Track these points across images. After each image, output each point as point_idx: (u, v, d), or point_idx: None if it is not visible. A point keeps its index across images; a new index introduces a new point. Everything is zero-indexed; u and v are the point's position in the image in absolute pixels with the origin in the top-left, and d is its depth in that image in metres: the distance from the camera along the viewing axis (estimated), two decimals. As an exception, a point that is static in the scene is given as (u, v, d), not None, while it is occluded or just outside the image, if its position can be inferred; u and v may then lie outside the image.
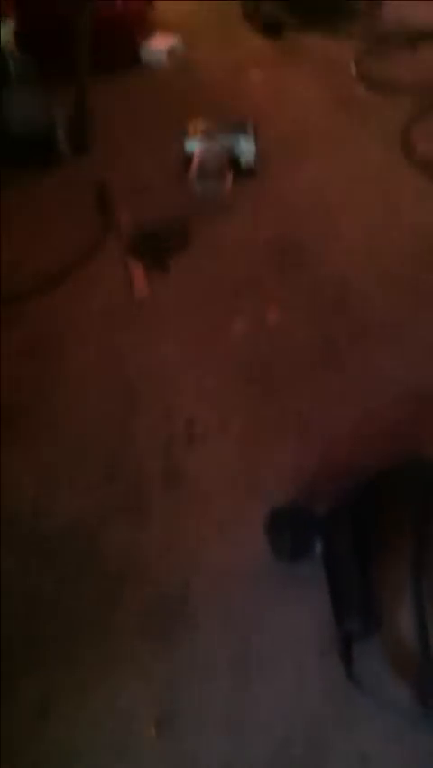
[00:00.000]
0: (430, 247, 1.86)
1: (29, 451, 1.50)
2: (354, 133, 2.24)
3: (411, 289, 1.77)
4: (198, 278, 1.85)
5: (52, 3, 2.46)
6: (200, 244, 1.93)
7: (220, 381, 1.61)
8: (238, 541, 1.32)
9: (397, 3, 2.78)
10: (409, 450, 1.41)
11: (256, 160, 2.11)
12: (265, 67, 2.55)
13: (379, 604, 1.19)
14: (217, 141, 2.09)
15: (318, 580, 1.21)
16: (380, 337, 1.68)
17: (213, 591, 1.25)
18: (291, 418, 1.52)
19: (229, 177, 2.06)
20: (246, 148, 2.10)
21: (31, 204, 2.09)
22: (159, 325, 1.75)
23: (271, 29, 2.68)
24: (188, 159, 2.10)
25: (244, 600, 1.24)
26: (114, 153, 2.24)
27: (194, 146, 2.10)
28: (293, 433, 1.49)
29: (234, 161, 2.09)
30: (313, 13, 2.71)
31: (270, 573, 1.27)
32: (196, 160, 2.07)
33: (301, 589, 1.23)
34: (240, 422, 1.52)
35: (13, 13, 2.38)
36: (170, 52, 2.59)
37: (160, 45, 2.59)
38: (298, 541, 1.26)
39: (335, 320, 1.73)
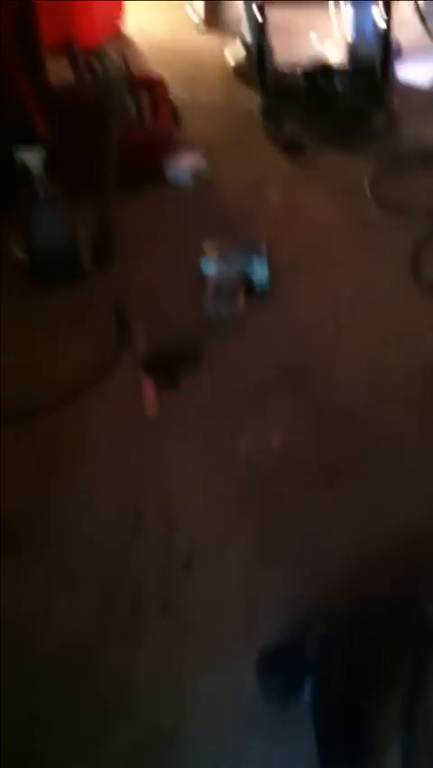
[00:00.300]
0: (428, 384, 1.90)
1: (31, 567, 1.54)
2: (365, 255, 2.31)
3: (416, 415, 1.81)
4: (208, 397, 1.91)
5: (84, 130, 2.63)
6: (211, 363, 1.99)
7: (223, 504, 1.65)
8: (230, 674, 1.33)
9: (415, 121, 2.88)
10: (406, 586, 1.42)
11: (269, 281, 2.18)
12: (284, 185, 2.65)
13: (369, 754, 1.18)
14: (232, 262, 2.18)
15: (310, 722, 1.21)
16: (382, 463, 1.71)
17: (201, 732, 1.26)
18: (290, 546, 1.55)
19: (242, 297, 2.14)
20: (259, 270, 2.18)
21: (51, 317, 2.18)
22: (167, 444, 1.80)
23: (293, 148, 2.80)
24: (203, 278, 2.18)
25: (233, 742, 1.24)
26: (134, 269, 2.33)
27: (209, 266, 2.19)
28: (291, 563, 1.51)
29: (247, 282, 2.17)
30: (333, 133, 2.82)
31: (261, 713, 1.27)
32: (210, 281, 2.15)
33: (292, 731, 1.23)
34: (239, 549, 1.55)
35: (44, 139, 2.53)
36: (194, 171, 2.71)
37: (184, 164, 2.72)
38: (288, 686, 1.26)
39: (338, 444, 1.76)
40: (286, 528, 1.59)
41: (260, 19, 2.79)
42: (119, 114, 2.63)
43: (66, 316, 2.19)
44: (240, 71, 3.32)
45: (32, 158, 2.23)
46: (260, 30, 2.80)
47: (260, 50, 2.84)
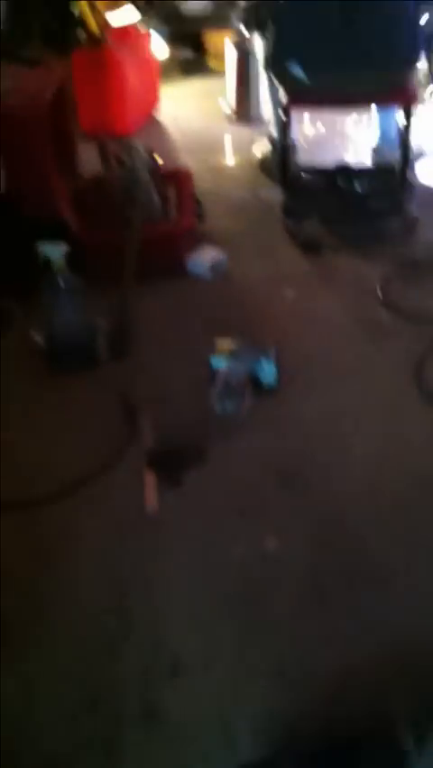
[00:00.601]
0: (425, 493, 1.92)
1: (18, 663, 1.56)
2: (371, 360, 2.36)
3: (409, 531, 1.83)
4: (207, 496, 1.95)
5: (109, 222, 2.74)
6: (214, 461, 2.04)
7: (212, 608, 1.68)
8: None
9: (430, 231, 2.96)
10: (385, 713, 1.43)
11: (276, 381, 2.24)
12: (299, 284, 2.72)
13: None
14: (242, 360, 2.24)
15: None
16: (372, 579, 1.72)
17: None
18: (273, 659, 1.56)
19: (249, 397, 2.19)
20: (267, 370, 2.23)
21: (62, 405, 2.25)
22: (164, 543, 1.83)
23: (310, 247, 2.88)
24: (213, 375, 2.24)
25: None
26: (147, 361, 2.40)
27: (220, 363, 2.25)
28: (273, 677, 1.52)
29: (254, 381, 2.23)
30: (350, 235, 2.90)
31: None
32: (219, 379, 2.21)
33: None
34: (223, 659, 1.57)
35: (70, 230, 2.64)
36: (214, 266, 2.80)
37: (204, 259, 2.81)
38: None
39: (330, 554, 1.78)
40: (272, 640, 1.60)
41: (284, 119, 2.89)
42: (144, 208, 2.74)
43: (77, 405, 2.26)
44: (265, 166, 3.43)
45: (55, 253, 2.33)
46: (284, 130, 2.91)
47: (283, 149, 2.95)
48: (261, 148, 3.52)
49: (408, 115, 2.77)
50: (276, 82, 2.92)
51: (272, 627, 1.63)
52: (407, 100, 2.76)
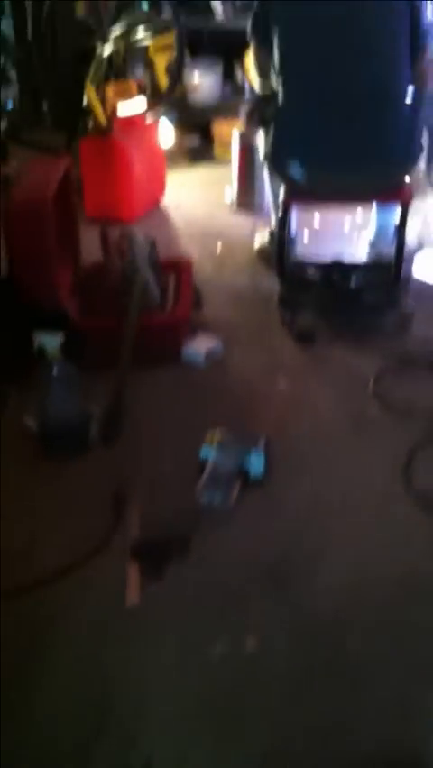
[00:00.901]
0: (412, 591, 1.92)
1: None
2: (360, 455, 2.37)
3: (389, 633, 1.82)
4: (190, 590, 1.94)
5: (108, 309, 2.80)
6: (198, 554, 2.04)
7: (188, 708, 1.66)
8: None
9: (427, 322, 3.00)
10: None
11: (264, 474, 2.25)
12: (292, 374, 2.76)
13: None
14: (231, 452, 2.26)
15: None
16: (352, 680, 1.71)
17: None
18: (249, 764, 1.54)
19: (236, 488, 2.20)
20: (256, 462, 2.25)
21: (50, 490, 2.26)
22: (144, 637, 1.82)
23: (304, 337, 2.92)
24: (201, 465, 2.26)
25: None
26: (137, 448, 2.42)
27: (208, 454, 2.27)
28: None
29: (243, 473, 2.24)
30: (345, 328, 2.95)
31: None
32: (208, 470, 2.23)
33: None
34: (197, 762, 1.54)
35: (68, 317, 2.70)
36: (209, 354, 2.84)
37: (200, 347, 2.85)
38: None
39: (311, 655, 1.77)
40: (249, 743, 1.58)
41: (282, 214, 2.97)
42: (143, 297, 2.79)
43: (66, 491, 2.27)
44: (264, 255, 3.51)
45: (51, 342, 2.38)
46: (282, 224, 2.98)
47: (280, 242, 3.01)
48: (261, 238, 3.60)
49: (404, 213, 2.84)
50: (275, 178, 3.01)
51: (250, 731, 1.61)
52: (404, 200, 2.84)
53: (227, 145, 4.27)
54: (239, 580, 1.97)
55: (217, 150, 4.70)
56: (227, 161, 4.24)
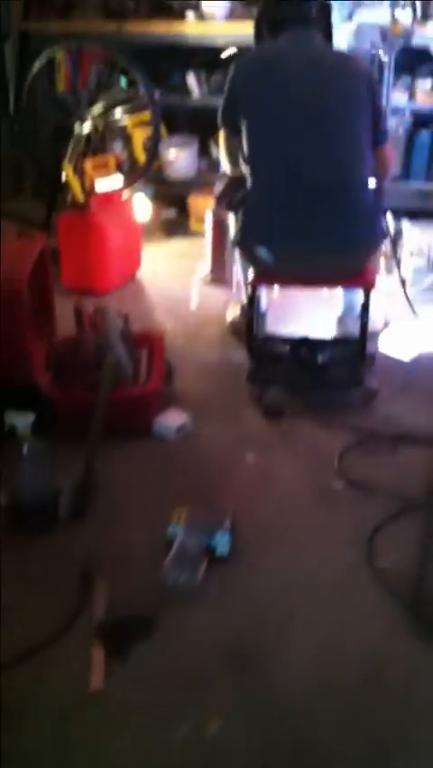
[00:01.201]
0: (375, 671, 1.96)
1: None
2: (324, 532, 2.42)
3: (352, 719, 1.84)
4: (154, 672, 1.97)
5: (80, 384, 2.86)
6: (163, 634, 2.06)
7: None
8: None
9: (390, 399, 3.08)
10: None
11: (230, 552, 2.28)
12: (260, 449, 2.82)
13: None
14: (197, 531, 2.30)
15: None
16: (312, 763, 1.73)
17: None
18: None
19: (203, 567, 2.23)
20: (222, 541, 2.29)
21: (18, 568, 2.28)
22: (107, 722, 1.83)
23: (272, 413, 2.99)
24: (168, 543, 2.29)
25: None
26: (106, 525, 2.46)
27: (175, 532, 2.31)
28: None
29: (209, 551, 2.28)
30: (311, 404, 3.03)
31: None
32: (174, 549, 2.26)
33: None
34: None
35: (41, 393, 2.76)
36: (179, 428, 2.89)
37: (170, 421, 2.91)
38: None
39: (273, 739, 1.79)
40: None
41: (249, 294, 3.06)
42: (115, 372, 2.86)
43: (32, 567, 2.29)
44: (236, 329, 3.59)
45: (22, 422, 2.43)
46: (250, 303, 3.07)
47: (249, 320, 3.10)
48: (233, 311, 3.69)
49: (367, 296, 2.94)
50: (244, 259, 3.11)
51: None
52: (367, 284, 2.94)
53: (202, 219, 4.39)
54: (204, 661, 1.99)
55: (193, 223, 4.83)
56: (202, 234, 4.36)
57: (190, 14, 4.64)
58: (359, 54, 3.37)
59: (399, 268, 3.75)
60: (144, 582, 2.22)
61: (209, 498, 2.54)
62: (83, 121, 4.14)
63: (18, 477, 2.43)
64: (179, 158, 4.96)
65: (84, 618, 2.11)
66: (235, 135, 2.96)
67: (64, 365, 3.01)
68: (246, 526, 2.38)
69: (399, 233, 3.99)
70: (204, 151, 5.00)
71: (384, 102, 3.58)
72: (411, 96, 4.38)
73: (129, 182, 4.23)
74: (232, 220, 3.22)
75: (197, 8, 4.64)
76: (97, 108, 4.22)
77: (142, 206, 4.65)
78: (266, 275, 2.99)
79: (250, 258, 3.00)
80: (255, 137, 2.85)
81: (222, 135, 3.09)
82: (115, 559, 2.31)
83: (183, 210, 4.99)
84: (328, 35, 3.03)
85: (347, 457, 2.74)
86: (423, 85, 4.38)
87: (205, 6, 4.61)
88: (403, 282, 3.73)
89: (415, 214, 4.34)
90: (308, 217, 2.78)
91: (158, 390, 2.97)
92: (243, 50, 3.78)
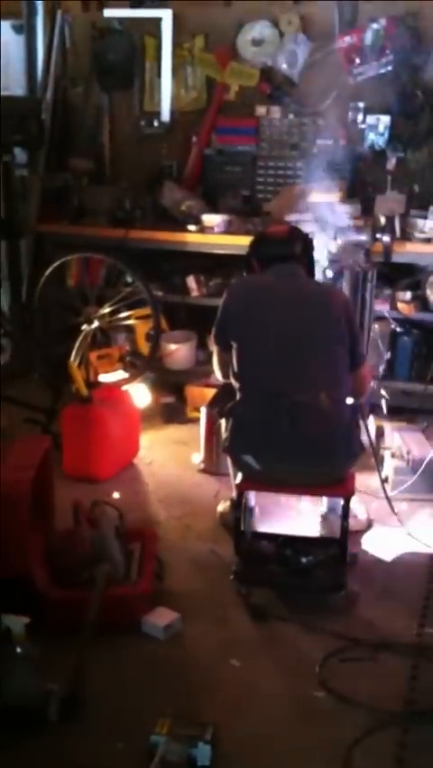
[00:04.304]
0: None
1: None
2: (302, 746, 2.49)
3: None
4: None
5: (74, 580, 3.00)
6: None
7: None
8: None
9: (371, 603, 3.21)
10: None
11: (211, 762, 2.36)
12: (244, 653, 2.92)
13: None
14: (178, 743, 2.38)
15: None
16: None
17: None
18: None
19: (183, 779, 2.30)
20: (203, 752, 2.37)
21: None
22: None
23: (258, 615, 3.11)
24: (150, 752, 2.37)
25: None
26: (93, 728, 2.54)
27: (158, 742, 2.39)
28: None
29: (190, 761, 2.36)
30: (295, 606, 3.15)
31: None
32: (155, 760, 2.33)
33: None
34: None
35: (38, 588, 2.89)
36: (167, 627, 3.00)
37: (159, 620, 3.02)
38: None
39: None
40: None
41: (237, 497, 3.26)
42: (108, 570, 3.00)
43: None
44: (225, 521, 3.76)
45: (16, 625, 2.55)
46: (238, 504, 3.26)
47: (237, 522, 3.28)
48: (224, 504, 3.86)
49: (346, 504, 3.14)
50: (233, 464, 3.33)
51: None
52: (346, 493, 3.15)
53: (198, 408, 4.65)
54: None
55: (190, 411, 5.09)
56: (198, 421, 4.60)
57: (191, 226, 5.10)
58: (336, 290, 3.75)
59: (380, 467, 3.96)
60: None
61: (193, 706, 2.63)
62: (91, 322, 4.49)
63: (9, 677, 2.53)
64: (178, 349, 5.29)
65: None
66: (227, 352, 3.26)
67: (60, 560, 3.15)
68: (227, 737, 2.46)
69: (380, 432, 4.24)
70: (202, 345, 5.34)
71: (367, 314, 3.92)
72: (392, 306, 4.76)
73: (132, 377, 4.53)
74: (223, 425, 3.46)
75: (197, 221, 5.11)
76: (104, 309, 4.58)
77: (141, 394, 4.94)
78: (253, 480, 3.21)
79: (238, 464, 3.22)
80: (243, 358, 3.16)
81: (215, 350, 3.40)
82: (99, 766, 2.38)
83: (181, 397, 5.27)
84: (310, 269, 3.39)
85: (328, 665, 2.83)
86: (403, 296, 4.77)
87: (205, 219, 5.08)
88: (384, 482, 3.93)
89: (398, 411, 4.62)
90: (290, 432, 3.03)
91: (148, 591, 3.10)
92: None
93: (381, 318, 4.67)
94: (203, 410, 4.38)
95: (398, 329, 4.79)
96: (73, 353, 4.30)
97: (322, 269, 4.04)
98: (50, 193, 5.47)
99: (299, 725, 2.59)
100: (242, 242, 4.55)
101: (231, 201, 5.33)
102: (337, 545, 3.26)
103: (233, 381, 3.24)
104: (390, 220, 4.68)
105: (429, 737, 2.52)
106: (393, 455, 4.07)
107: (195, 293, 5.26)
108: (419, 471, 3.92)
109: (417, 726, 2.55)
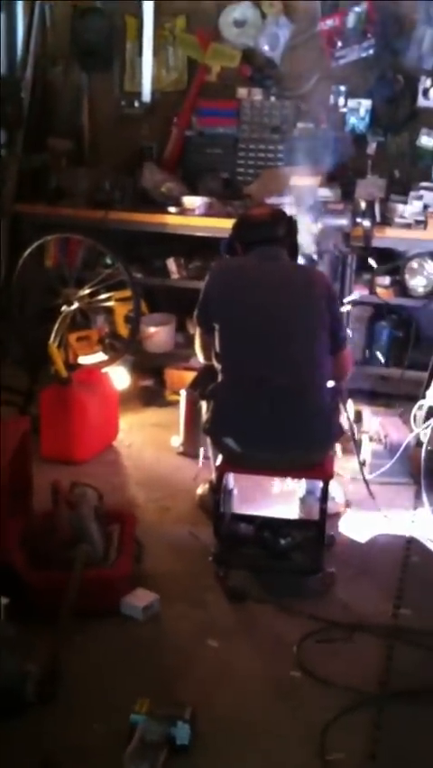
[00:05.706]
0: None
1: None
2: (280, 725, 2.52)
3: None
4: None
5: (52, 561, 3.01)
6: None
7: None
8: None
9: (348, 585, 3.24)
10: None
11: (190, 742, 2.38)
12: (222, 634, 2.94)
13: None
14: (157, 723, 2.39)
15: None
16: None
17: None
18: None
19: (162, 758, 2.32)
20: (182, 731, 2.39)
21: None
22: None
23: (236, 597, 3.13)
24: (130, 731, 2.38)
25: None
26: (71, 709, 2.55)
27: (137, 720, 2.40)
28: None
29: (169, 742, 2.37)
30: (274, 588, 3.18)
31: None
32: (134, 740, 2.35)
33: None
34: None
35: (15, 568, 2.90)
36: (146, 608, 3.02)
37: (138, 601, 3.03)
38: None
39: None
40: None
41: (216, 479, 3.27)
42: (87, 551, 3.01)
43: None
44: (204, 503, 3.77)
45: (-4, 607, 2.56)
46: (217, 487, 3.28)
47: (216, 504, 3.29)
48: (203, 486, 3.88)
49: (325, 487, 3.16)
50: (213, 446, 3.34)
51: None
52: (324, 476, 3.18)
53: (178, 391, 4.66)
54: None
55: (169, 394, 5.09)
56: (177, 404, 4.61)
57: (172, 208, 5.08)
58: (319, 272, 3.75)
59: (358, 451, 3.99)
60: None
61: (172, 686, 2.65)
62: (70, 303, 4.47)
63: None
64: (158, 332, 5.29)
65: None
66: (209, 334, 3.26)
67: (39, 543, 3.15)
68: (206, 717, 2.48)
69: (359, 416, 4.27)
70: (181, 328, 5.34)
71: (345, 298, 3.94)
72: (371, 290, 4.78)
73: (112, 360, 4.52)
74: (204, 407, 3.47)
75: (178, 203, 5.09)
76: (84, 291, 4.56)
77: (120, 377, 4.93)
78: (233, 462, 3.22)
79: (218, 446, 3.23)
80: (224, 339, 3.16)
81: (197, 332, 3.39)
82: (77, 749, 2.39)
83: (160, 380, 5.27)
84: (293, 251, 3.39)
85: (305, 646, 2.86)
86: (382, 281, 4.79)
87: (185, 201, 5.06)
88: (362, 465, 3.96)
89: (375, 395, 4.66)
90: (270, 415, 3.04)
91: (127, 572, 3.11)
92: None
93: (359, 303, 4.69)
94: (182, 393, 4.38)
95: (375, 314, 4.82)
96: (52, 335, 4.28)
97: (303, 253, 4.04)
98: (28, 174, 5.42)
99: (275, 705, 2.62)
100: (222, 225, 4.56)
101: (211, 183, 5.31)
102: (315, 528, 3.29)
103: (215, 363, 3.25)
104: (370, 205, 4.69)
105: (404, 718, 2.56)
106: (371, 439, 4.10)
107: (175, 275, 5.26)
108: (397, 456, 3.96)
109: (391, 706, 2.59)
